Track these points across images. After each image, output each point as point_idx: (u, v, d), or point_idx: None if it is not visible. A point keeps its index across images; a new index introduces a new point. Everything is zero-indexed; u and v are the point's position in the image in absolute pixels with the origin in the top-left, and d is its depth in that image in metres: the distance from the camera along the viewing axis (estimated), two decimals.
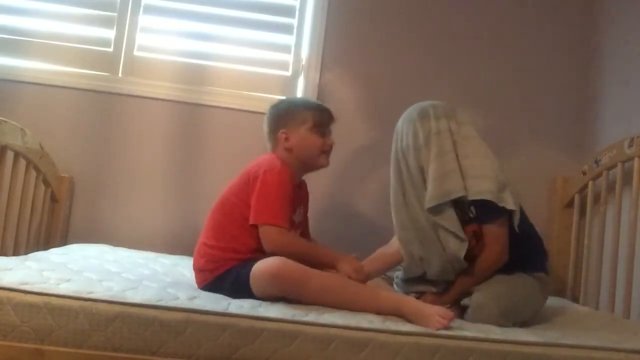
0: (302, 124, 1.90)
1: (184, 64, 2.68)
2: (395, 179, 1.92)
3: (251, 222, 1.75)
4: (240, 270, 1.69)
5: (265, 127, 1.97)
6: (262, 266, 1.64)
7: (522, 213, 1.85)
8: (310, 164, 1.95)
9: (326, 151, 1.94)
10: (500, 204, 1.76)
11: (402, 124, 1.95)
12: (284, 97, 2.00)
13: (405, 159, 1.89)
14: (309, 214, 2.07)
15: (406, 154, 1.89)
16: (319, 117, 1.93)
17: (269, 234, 1.74)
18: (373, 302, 1.63)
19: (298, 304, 1.61)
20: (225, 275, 1.72)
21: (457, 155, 1.83)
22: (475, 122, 2.68)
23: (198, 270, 1.80)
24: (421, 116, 1.90)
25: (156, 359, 1.40)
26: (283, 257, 1.65)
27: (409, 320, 1.58)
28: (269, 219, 1.74)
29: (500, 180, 1.80)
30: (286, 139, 1.90)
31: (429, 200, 1.80)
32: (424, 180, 1.84)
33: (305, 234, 2.04)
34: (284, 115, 1.94)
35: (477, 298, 1.76)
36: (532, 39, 2.81)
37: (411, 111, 1.95)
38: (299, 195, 1.94)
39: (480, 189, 1.77)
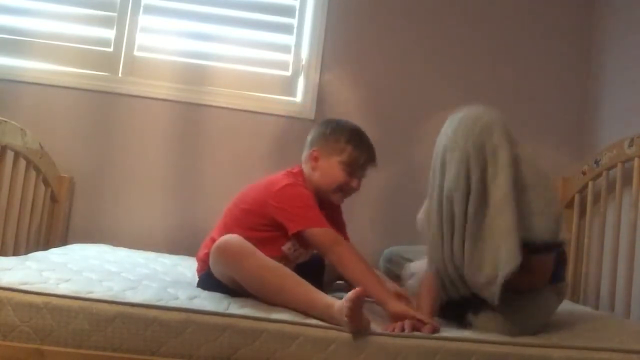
0: (337, 154, 1.85)
1: (184, 64, 2.68)
2: (436, 221, 1.60)
3: (293, 230, 1.72)
4: None
5: (308, 136, 1.94)
6: (214, 244, 1.65)
7: None
8: (324, 194, 1.88)
9: (345, 191, 1.89)
10: (559, 239, 1.60)
11: (451, 157, 1.54)
12: (342, 119, 1.95)
13: (451, 204, 1.54)
14: None
15: (450, 198, 1.54)
16: (356, 156, 1.85)
17: (317, 236, 1.71)
18: (307, 307, 1.52)
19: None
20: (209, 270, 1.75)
21: (517, 190, 1.53)
22: None
23: (199, 259, 1.84)
24: (476, 150, 1.51)
25: (156, 359, 1.41)
26: (234, 234, 1.64)
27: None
28: (311, 223, 1.72)
29: (559, 211, 1.61)
30: (315, 159, 1.87)
31: (507, 271, 1.48)
32: (464, 229, 1.54)
33: None
34: (327, 136, 1.88)
35: (482, 322, 1.60)
36: (532, 39, 2.81)
37: (461, 136, 1.54)
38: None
39: (542, 229, 1.56)
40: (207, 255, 1.78)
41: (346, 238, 1.95)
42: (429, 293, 1.68)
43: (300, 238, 1.77)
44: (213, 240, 1.81)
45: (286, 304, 1.54)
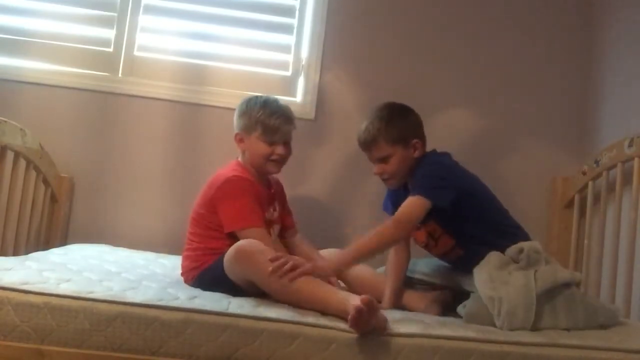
0: (253, 130, 1.92)
1: (184, 64, 2.68)
2: None
3: (227, 230, 1.80)
4: (218, 264, 1.73)
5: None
6: (231, 248, 1.69)
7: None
8: (260, 170, 1.96)
9: (274, 160, 1.94)
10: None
11: None
12: (254, 95, 2.02)
13: None
14: (299, 209, 2.14)
15: None
16: (268, 125, 1.90)
17: (248, 236, 1.75)
18: (323, 306, 1.55)
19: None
20: (206, 272, 1.78)
21: None
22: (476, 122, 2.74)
23: (184, 273, 1.88)
24: None
25: (156, 359, 1.41)
26: (249, 239, 1.69)
27: None
28: (243, 224, 1.79)
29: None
30: (240, 141, 1.95)
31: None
32: None
33: (288, 229, 2.10)
34: (242, 117, 1.95)
35: (472, 308, 1.70)
36: (532, 39, 2.81)
37: None
38: (268, 195, 1.96)
39: None
40: (190, 263, 1.84)
41: (292, 225, 2.11)
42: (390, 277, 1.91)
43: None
44: (186, 251, 1.89)
45: (302, 303, 1.56)
